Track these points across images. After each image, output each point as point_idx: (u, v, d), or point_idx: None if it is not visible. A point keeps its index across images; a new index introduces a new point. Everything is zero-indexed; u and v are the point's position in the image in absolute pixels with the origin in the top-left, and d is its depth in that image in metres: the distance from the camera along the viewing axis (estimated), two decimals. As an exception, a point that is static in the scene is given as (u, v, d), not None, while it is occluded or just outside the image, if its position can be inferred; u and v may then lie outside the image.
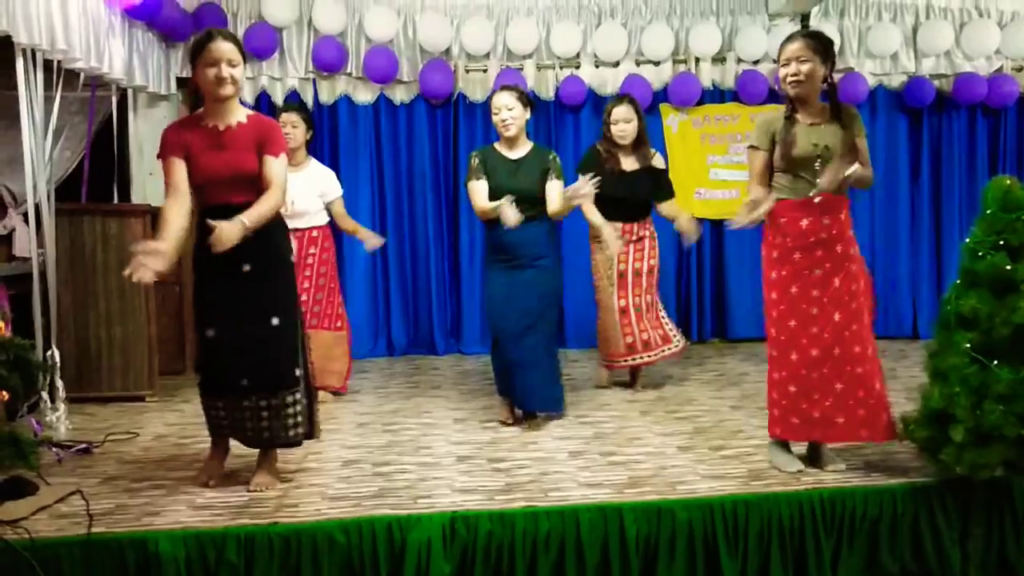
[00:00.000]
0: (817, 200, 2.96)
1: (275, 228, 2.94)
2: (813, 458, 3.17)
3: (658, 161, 4.52)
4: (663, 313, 4.63)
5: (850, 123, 3.03)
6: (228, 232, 2.70)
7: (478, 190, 3.78)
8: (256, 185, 2.87)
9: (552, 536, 2.71)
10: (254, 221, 2.78)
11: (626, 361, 4.51)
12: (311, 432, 3.11)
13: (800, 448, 3.22)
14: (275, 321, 2.91)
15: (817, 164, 2.96)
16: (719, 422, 3.88)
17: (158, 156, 2.91)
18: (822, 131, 2.99)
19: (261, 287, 2.90)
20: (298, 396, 2.97)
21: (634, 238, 4.45)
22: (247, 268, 2.87)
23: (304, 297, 4.21)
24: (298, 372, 2.98)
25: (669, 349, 4.53)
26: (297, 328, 3.02)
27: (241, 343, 2.88)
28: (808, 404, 3.02)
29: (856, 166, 2.90)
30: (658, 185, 4.49)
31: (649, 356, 4.48)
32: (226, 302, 2.89)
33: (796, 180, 3.01)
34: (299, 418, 2.98)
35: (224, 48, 2.82)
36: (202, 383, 3.03)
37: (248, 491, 2.95)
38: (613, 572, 2.72)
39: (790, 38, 3.02)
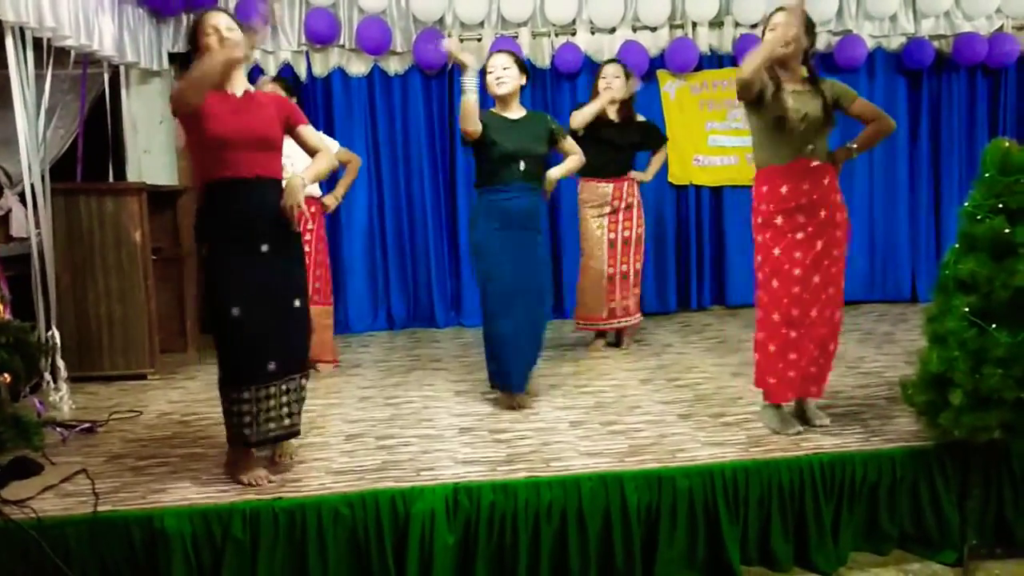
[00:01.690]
0: (813, 165, 3.07)
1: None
2: (799, 415, 3.26)
3: (640, 117, 4.82)
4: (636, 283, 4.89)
5: (830, 91, 3.12)
6: (294, 185, 2.76)
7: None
8: (273, 156, 2.85)
9: (554, 505, 2.73)
10: (311, 179, 2.94)
11: (601, 325, 4.78)
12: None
13: (787, 405, 3.27)
14: (297, 303, 2.86)
15: (801, 128, 3.03)
16: (719, 389, 3.89)
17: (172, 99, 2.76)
18: (804, 98, 3.06)
19: (282, 268, 2.82)
20: (304, 381, 2.96)
21: (623, 205, 4.67)
22: (265, 248, 2.78)
23: None
24: (307, 356, 2.99)
25: (629, 321, 4.81)
26: (309, 311, 2.98)
27: (267, 325, 2.78)
28: (784, 364, 3.11)
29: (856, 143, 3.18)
30: (648, 134, 4.81)
31: (620, 323, 4.78)
32: (249, 282, 2.76)
33: (778, 146, 3.07)
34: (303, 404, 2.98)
35: (219, 15, 2.81)
36: (226, 377, 2.81)
37: (279, 462, 2.99)
38: (615, 540, 2.74)
39: (777, 10, 3.10)
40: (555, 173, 3.79)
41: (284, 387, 2.86)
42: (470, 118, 3.53)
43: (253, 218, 2.76)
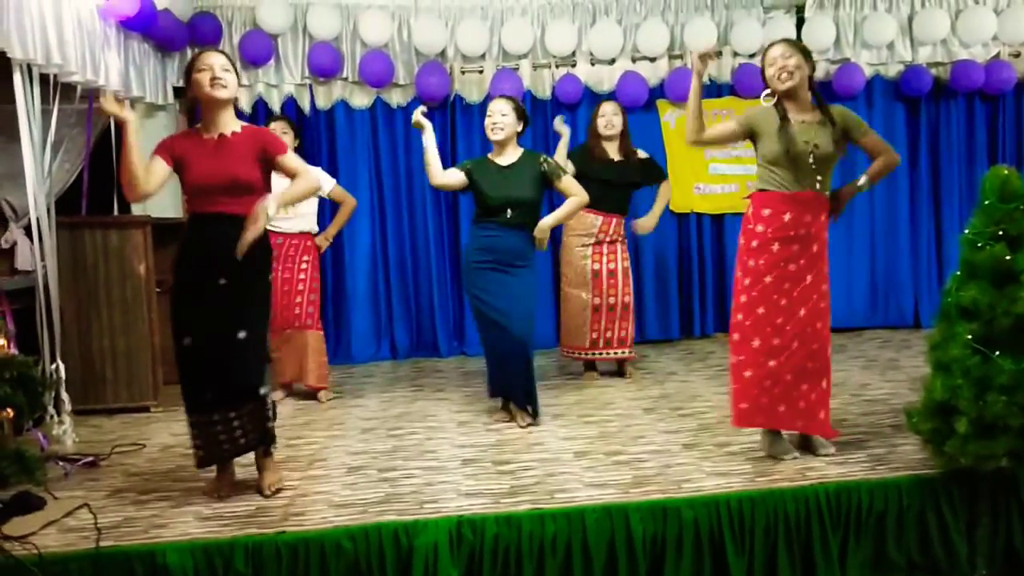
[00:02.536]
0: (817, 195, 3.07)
1: (257, 245, 2.88)
2: (803, 445, 3.25)
3: (642, 153, 4.80)
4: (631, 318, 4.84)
5: (841, 120, 3.12)
6: (257, 211, 2.80)
7: (445, 172, 3.90)
8: (251, 196, 2.89)
9: (559, 538, 2.71)
10: (286, 200, 2.94)
11: (585, 355, 4.75)
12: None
13: (791, 435, 3.28)
14: (241, 335, 2.89)
15: (811, 160, 3.04)
16: (724, 418, 3.86)
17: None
18: (813, 128, 3.08)
19: (232, 301, 2.89)
20: (254, 407, 2.97)
21: (607, 239, 4.67)
22: (223, 282, 2.87)
23: (299, 299, 4.49)
24: (263, 390, 2.96)
25: (622, 353, 4.77)
26: (263, 344, 2.99)
27: (207, 355, 2.88)
28: (758, 391, 3.14)
29: (864, 179, 3.18)
30: (648, 170, 4.79)
31: (607, 354, 4.74)
32: (199, 313, 2.89)
33: (785, 174, 3.09)
34: (270, 422, 3.03)
35: (214, 55, 2.93)
36: (183, 400, 2.99)
37: (265, 496, 3.00)
38: (620, 572, 2.72)
39: (770, 46, 3.15)
40: (547, 222, 3.87)
41: (229, 414, 2.93)
42: (429, 173, 3.85)
43: (214, 252, 2.85)
